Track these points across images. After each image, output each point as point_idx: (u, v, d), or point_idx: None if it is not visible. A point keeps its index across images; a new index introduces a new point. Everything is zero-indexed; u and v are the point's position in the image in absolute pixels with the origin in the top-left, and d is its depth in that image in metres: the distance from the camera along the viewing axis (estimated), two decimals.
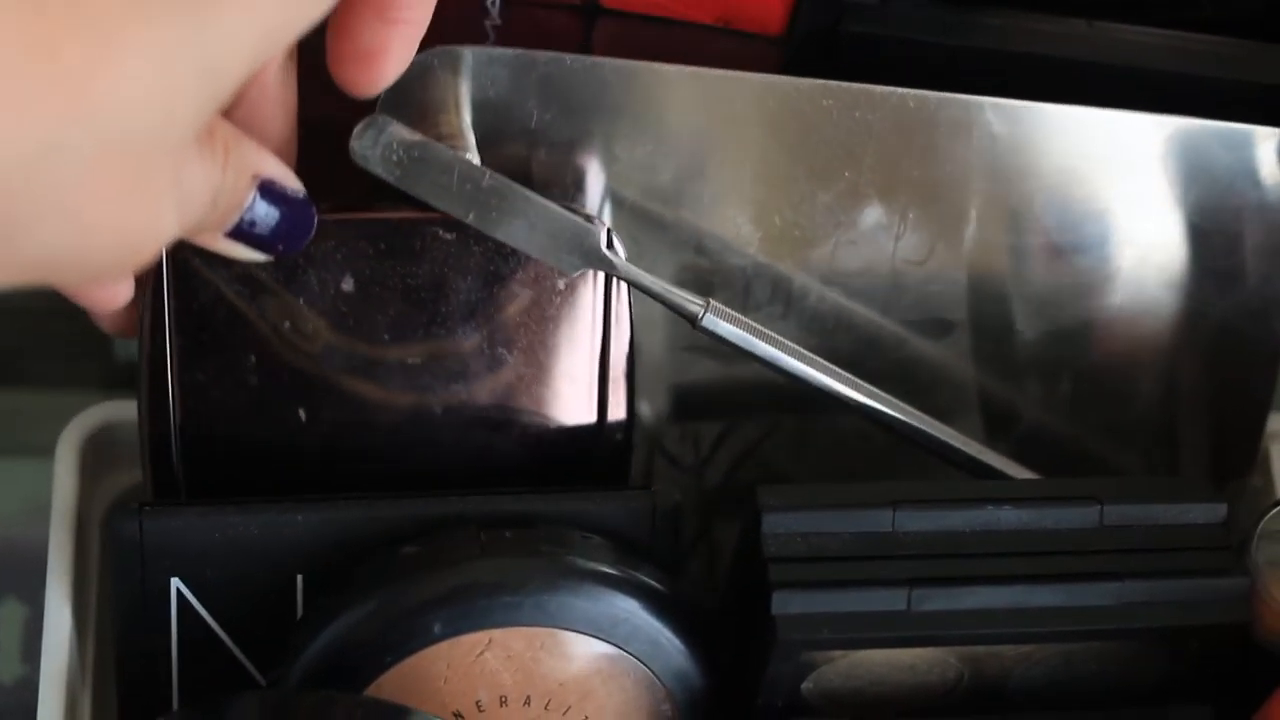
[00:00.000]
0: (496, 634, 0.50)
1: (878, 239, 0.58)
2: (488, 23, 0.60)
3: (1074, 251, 0.60)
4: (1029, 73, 0.59)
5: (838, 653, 0.52)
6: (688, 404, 0.60)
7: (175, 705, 0.53)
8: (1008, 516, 0.52)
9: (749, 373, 0.56)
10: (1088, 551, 0.52)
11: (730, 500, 0.61)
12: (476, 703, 0.51)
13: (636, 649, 0.51)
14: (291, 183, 0.46)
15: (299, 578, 0.53)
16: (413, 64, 0.53)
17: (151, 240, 0.39)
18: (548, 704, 0.51)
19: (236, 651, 0.53)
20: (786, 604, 0.50)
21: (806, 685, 0.52)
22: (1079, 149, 0.58)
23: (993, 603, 0.51)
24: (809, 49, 0.59)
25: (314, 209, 0.48)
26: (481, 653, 0.50)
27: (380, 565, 0.51)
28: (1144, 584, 0.51)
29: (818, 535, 0.51)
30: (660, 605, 0.51)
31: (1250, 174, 0.59)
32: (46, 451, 0.60)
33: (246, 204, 0.45)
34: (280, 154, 0.47)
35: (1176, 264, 0.60)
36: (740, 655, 0.53)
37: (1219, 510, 0.53)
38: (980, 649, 0.53)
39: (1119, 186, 0.59)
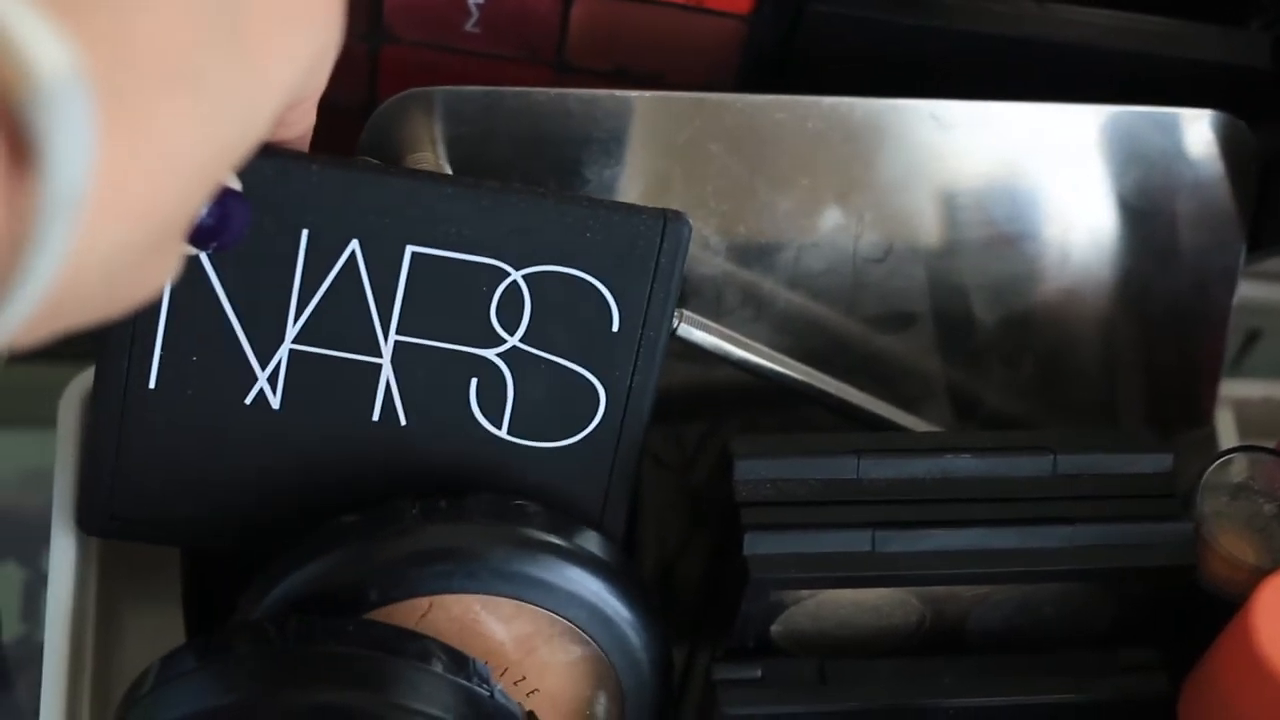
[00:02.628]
0: (435, 599, 0.52)
1: (838, 241, 0.61)
2: (471, 2, 0.63)
3: (1022, 239, 0.62)
4: (982, 50, 0.62)
5: (805, 594, 0.54)
6: (670, 407, 0.62)
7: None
8: (966, 465, 0.55)
9: (727, 375, 0.59)
10: (1041, 498, 0.55)
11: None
12: None
13: (573, 614, 0.53)
14: (233, 182, 0.46)
15: None
16: (389, 105, 0.57)
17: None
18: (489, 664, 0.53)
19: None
20: (757, 545, 0.53)
21: (775, 628, 0.55)
22: (1020, 142, 0.61)
23: (951, 545, 0.54)
24: (775, 27, 0.62)
25: (248, 207, 0.47)
26: (424, 615, 0.52)
27: (322, 535, 0.53)
28: (1094, 528, 0.54)
29: (786, 481, 0.54)
30: (598, 571, 0.53)
31: (1183, 154, 0.62)
32: (44, 422, 0.61)
33: None
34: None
35: (1121, 244, 0.63)
36: (714, 602, 0.56)
37: (1165, 460, 0.56)
38: (940, 591, 0.55)
39: (1061, 174, 0.62)
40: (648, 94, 0.58)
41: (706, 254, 0.60)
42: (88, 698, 0.57)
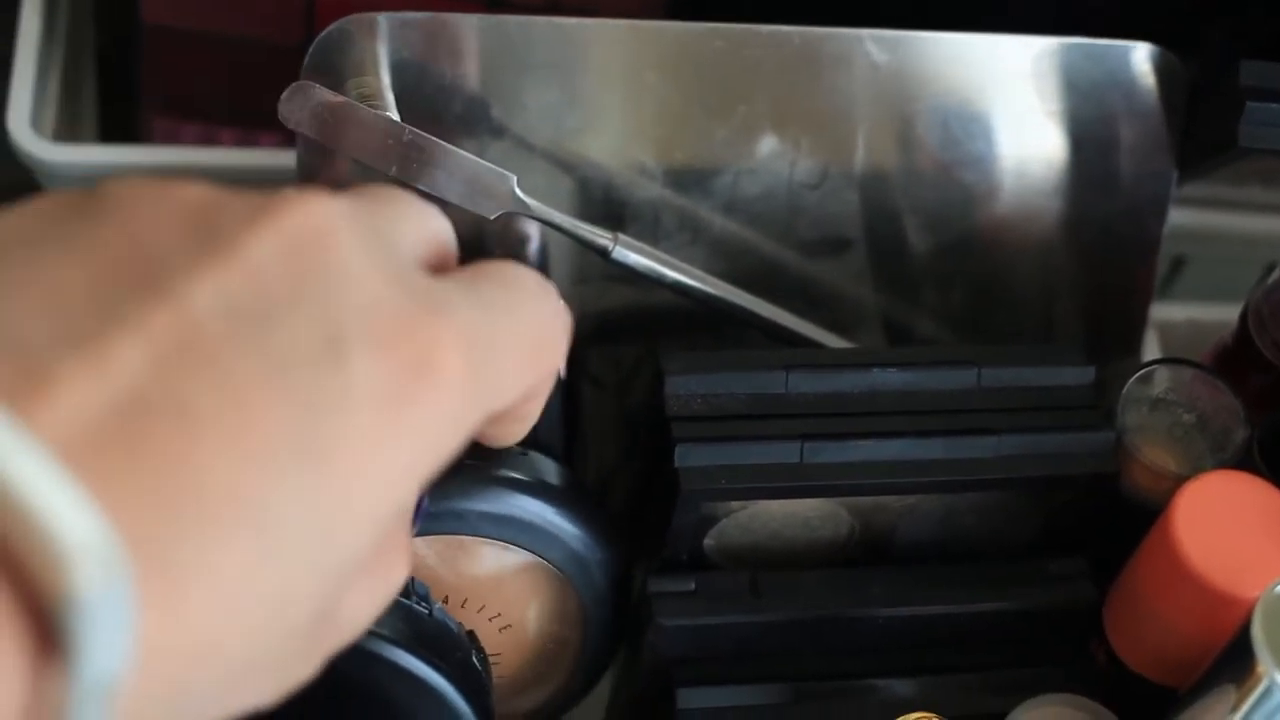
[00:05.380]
0: None
1: (774, 167, 0.62)
2: None
3: (958, 167, 0.64)
4: None
5: (737, 506, 0.56)
6: (608, 330, 0.64)
7: None
8: (892, 378, 0.56)
9: (663, 298, 0.60)
10: (966, 410, 0.56)
11: None
12: None
13: (529, 542, 0.54)
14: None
15: None
16: (331, 31, 0.57)
17: (319, 663, 0.35)
18: (464, 602, 0.55)
19: None
20: (688, 457, 0.54)
21: (708, 542, 0.56)
22: (957, 72, 0.62)
23: (878, 455, 0.55)
24: None
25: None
26: None
27: None
28: (1018, 438, 0.55)
29: (716, 396, 0.55)
30: (550, 498, 0.54)
31: (1118, 85, 0.63)
32: None
33: None
34: None
35: (1056, 173, 0.64)
36: (648, 517, 0.57)
37: (1088, 373, 0.57)
38: (868, 502, 0.57)
39: (996, 104, 0.63)
40: (587, 21, 0.59)
41: (644, 179, 0.61)
42: None
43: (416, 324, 0.34)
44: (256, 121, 0.73)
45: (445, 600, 0.54)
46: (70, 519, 0.27)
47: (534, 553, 0.54)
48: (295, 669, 0.34)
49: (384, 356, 0.33)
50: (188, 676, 0.30)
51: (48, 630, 0.28)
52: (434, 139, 0.54)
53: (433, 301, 0.35)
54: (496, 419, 0.40)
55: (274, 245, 0.32)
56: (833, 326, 0.62)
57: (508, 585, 0.55)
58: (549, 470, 0.55)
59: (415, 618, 0.50)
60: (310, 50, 0.58)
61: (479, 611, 0.55)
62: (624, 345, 0.64)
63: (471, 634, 0.53)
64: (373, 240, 0.34)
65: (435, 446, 0.35)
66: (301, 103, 0.54)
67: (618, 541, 0.56)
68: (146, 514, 0.29)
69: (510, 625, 0.56)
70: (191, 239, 0.32)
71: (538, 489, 0.54)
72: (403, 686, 0.49)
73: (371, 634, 0.48)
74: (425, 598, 0.51)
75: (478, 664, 0.52)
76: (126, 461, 0.29)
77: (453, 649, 0.51)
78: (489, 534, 0.53)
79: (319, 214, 0.33)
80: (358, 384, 0.32)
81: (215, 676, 0.31)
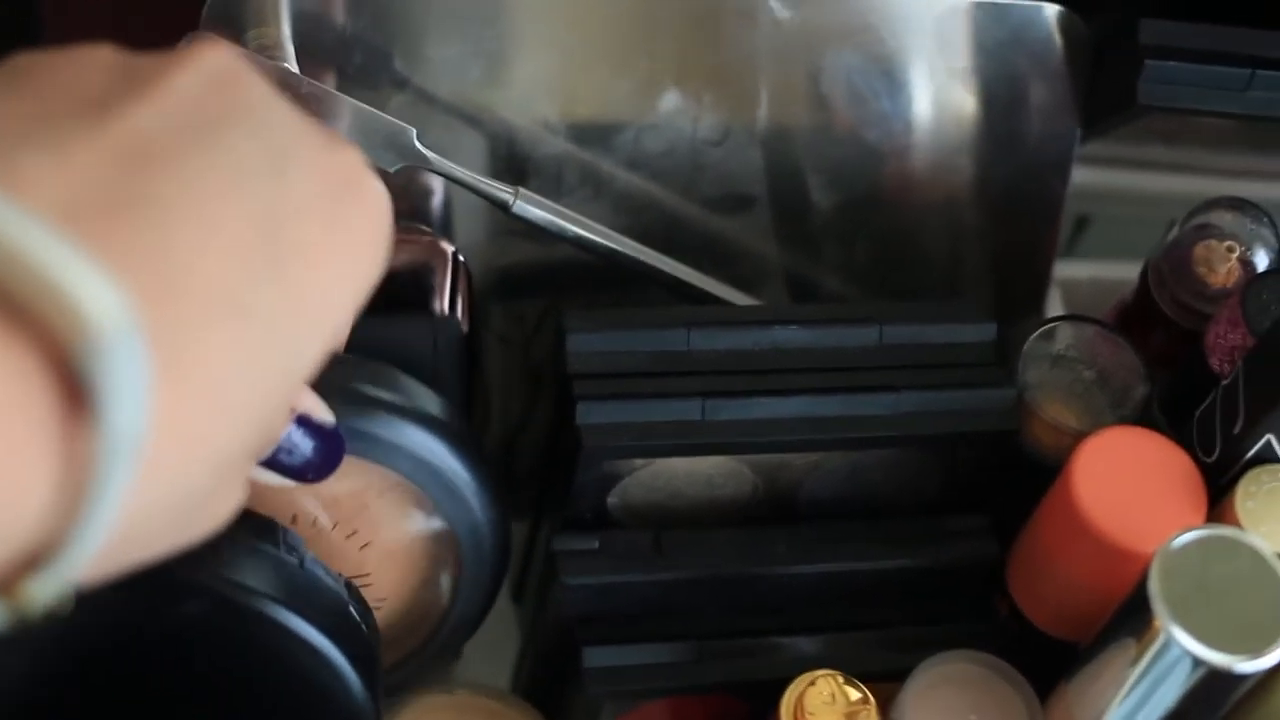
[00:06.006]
0: None
1: (677, 123, 0.62)
2: None
3: (862, 124, 0.64)
4: None
5: (640, 464, 0.55)
6: (512, 285, 0.63)
7: None
8: (794, 336, 0.56)
9: (565, 253, 0.59)
10: (868, 367, 0.56)
11: None
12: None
13: (406, 469, 0.53)
14: (325, 415, 0.44)
15: None
16: None
17: (232, 510, 0.38)
18: (335, 524, 0.54)
19: None
20: (589, 414, 0.54)
21: (612, 500, 0.56)
22: (862, 28, 0.62)
23: (780, 413, 0.55)
24: None
25: (343, 439, 0.45)
26: None
27: None
28: (919, 395, 0.56)
29: (617, 354, 0.55)
30: (430, 427, 0.53)
31: (1023, 45, 0.63)
32: None
33: (283, 438, 0.43)
34: None
35: (961, 131, 0.65)
36: (554, 478, 0.57)
37: (989, 329, 0.57)
38: (771, 460, 0.57)
39: (901, 62, 0.63)
40: None
41: (547, 134, 0.61)
42: None
43: (336, 147, 0.37)
44: None
45: (314, 522, 0.53)
46: (84, 278, 0.29)
47: (411, 481, 0.53)
48: (220, 506, 0.37)
49: (319, 175, 0.36)
50: (186, 462, 0.32)
51: (74, 387, 0.29)
52: (333, 90, 0.54)
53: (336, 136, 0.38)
54: None
55: (197, 78, 0.35)
56: (736, 283, 0.62)
57: (372, 509, 0.54)
58: (429, 399, 0.54)
59: (286, 570, 0.48)
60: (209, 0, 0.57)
61: (349, 538, 0.54)
62: (528, 301, 0.64)
63: (349, 584, 0.51)
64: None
65: (367, 267, 0.37)
66: None
67: (496, 481, 0.55)
68: (152, 295, 0.30)
69: (370, 544, 0.55)
70: (121, 81, 0.34)
71: (418, 416, 0.53)
72: (277, 641, 0.48)
73: (244, 588, 0.47)
74: (295, 547, 0.49)
75: (356, 615, 0.51)
76: (111, 246, 0.30)
77: (328, 601, 0.49)
78: (362, 454, 0.52)
79: (228, 56, 0.36)
80: (302, 197, 0.35)
81: (203, 472, 0.33)
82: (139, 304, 0.30)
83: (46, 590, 0.30)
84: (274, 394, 0.34)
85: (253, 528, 0.48)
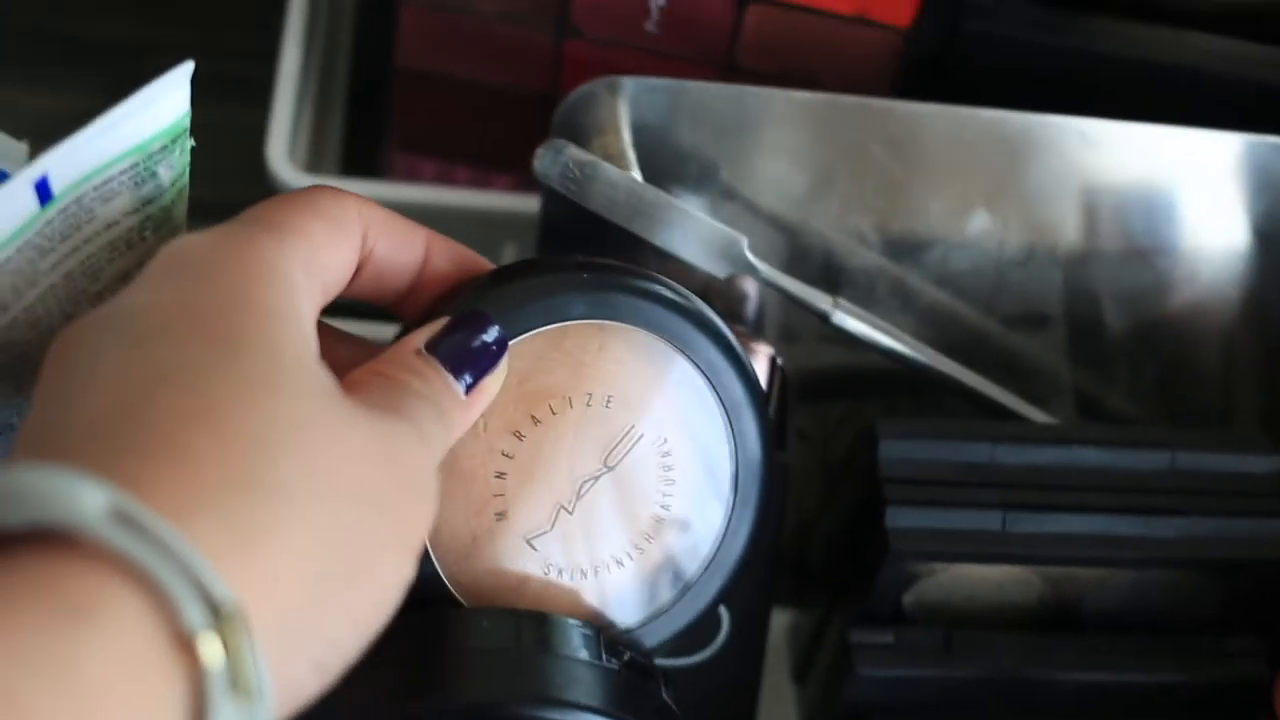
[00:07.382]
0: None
1: (983, 243, 0.65)
2: (652, 4, 0.68)
3: (1155, 253, 0.66)
4: (1122, 72, 0.67)
5: (939, 567, 0.59)
6: (814, 386, 0.67)
7: None
8: (1091, 456, 0.59)
9: (870, 360, 0.63)
10: (1159, 490, 0.59)
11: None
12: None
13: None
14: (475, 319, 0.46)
15: None
16: (580, 92, 0.61)
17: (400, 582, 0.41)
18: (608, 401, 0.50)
19: None
20: (898, 519, 0.57)
21: (908, 598, 0.60)
22: (1159, 162, 0.65)
23: (1075, 529, 0.58)
24: (932, 41, 0.67)
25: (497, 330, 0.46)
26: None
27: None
28: (1206, 521, 0.58)
29: (926, 462, 0.59)
30: (732, 355, 0.50)
31: None
32: None
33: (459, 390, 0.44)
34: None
35: (1246, 265, 0.67)
36: (851, 572, 0.61)
37: (1275, 462, 0.60)
38: (1060, 571, 0.60)
39: (1196, 195, 0.66)
40: (821, 96, 0.62)
41: (862, 248, 0.64)
42: None
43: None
44: (493, 162, 0.77)
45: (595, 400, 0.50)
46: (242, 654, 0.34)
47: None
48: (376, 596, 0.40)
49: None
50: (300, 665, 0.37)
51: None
52: (674, 200, 0.57)
53: None
54: None
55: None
56: (1027, 397, 0.65)
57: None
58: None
59: (608, 677, 0.48)
60: (559, 108, 0.61)
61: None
62: (828, 401, 0.68)
63: (658, 671, 0.51)
64: None
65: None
66: (552, 159, 0.57)
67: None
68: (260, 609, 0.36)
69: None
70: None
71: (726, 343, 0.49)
72: None
73: (569, 704, 0.46)
74: (614, 652, 0.49)
75: (669, 701, 0.50)
76: (250, 572, 0.36)
77: (647, 697, 0.49)
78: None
79: None
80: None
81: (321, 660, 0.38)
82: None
83: None
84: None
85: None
